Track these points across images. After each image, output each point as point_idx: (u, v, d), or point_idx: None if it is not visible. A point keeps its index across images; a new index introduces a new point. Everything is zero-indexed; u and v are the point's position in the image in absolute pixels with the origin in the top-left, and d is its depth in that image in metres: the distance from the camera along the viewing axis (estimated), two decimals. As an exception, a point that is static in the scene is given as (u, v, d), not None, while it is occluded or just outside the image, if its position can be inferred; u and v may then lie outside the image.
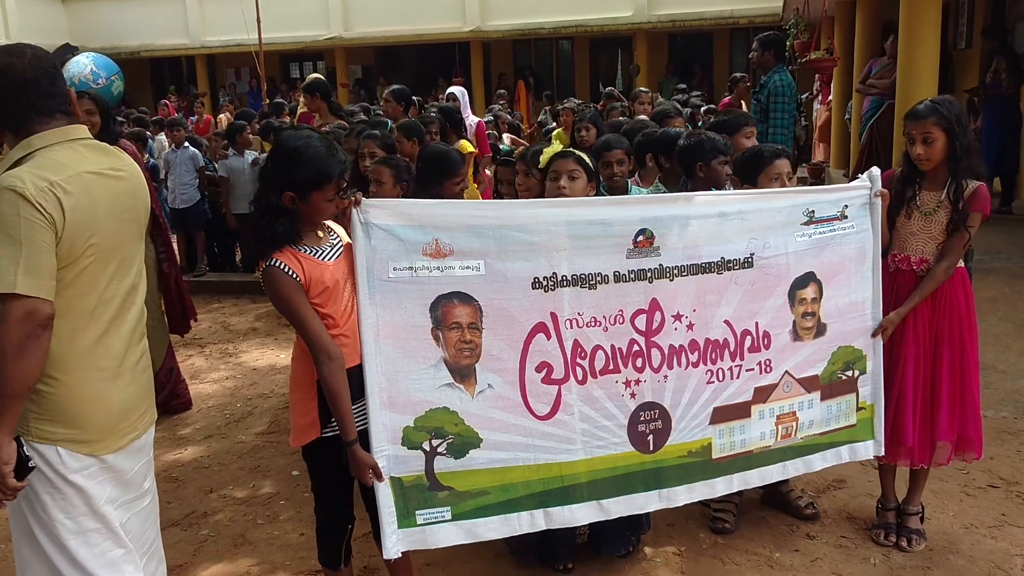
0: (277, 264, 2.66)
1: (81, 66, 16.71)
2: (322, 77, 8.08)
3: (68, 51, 18.77)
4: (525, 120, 17.60)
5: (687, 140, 3.96)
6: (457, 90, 8.76)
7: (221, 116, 15.68)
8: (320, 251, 2.75)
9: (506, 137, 9.45)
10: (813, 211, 3.28)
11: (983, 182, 3.44)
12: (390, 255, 2.80)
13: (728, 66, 19.78)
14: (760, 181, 3.52)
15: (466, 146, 7.12)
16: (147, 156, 9.87)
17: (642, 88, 9.88)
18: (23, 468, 2.28)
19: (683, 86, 13.86)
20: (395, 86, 8.36)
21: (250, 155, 8.80)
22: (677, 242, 3.08)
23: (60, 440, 2.36)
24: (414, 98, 10.16)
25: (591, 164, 3.42)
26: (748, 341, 3.23)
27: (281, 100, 14.87)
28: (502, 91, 15.39)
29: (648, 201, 3.15)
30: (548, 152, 3.44)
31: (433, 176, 3.97)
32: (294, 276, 2.66)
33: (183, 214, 9.18)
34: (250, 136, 9.02)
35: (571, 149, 3.51)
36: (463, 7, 19.24)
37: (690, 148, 3.89)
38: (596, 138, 5.64)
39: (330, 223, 2.89)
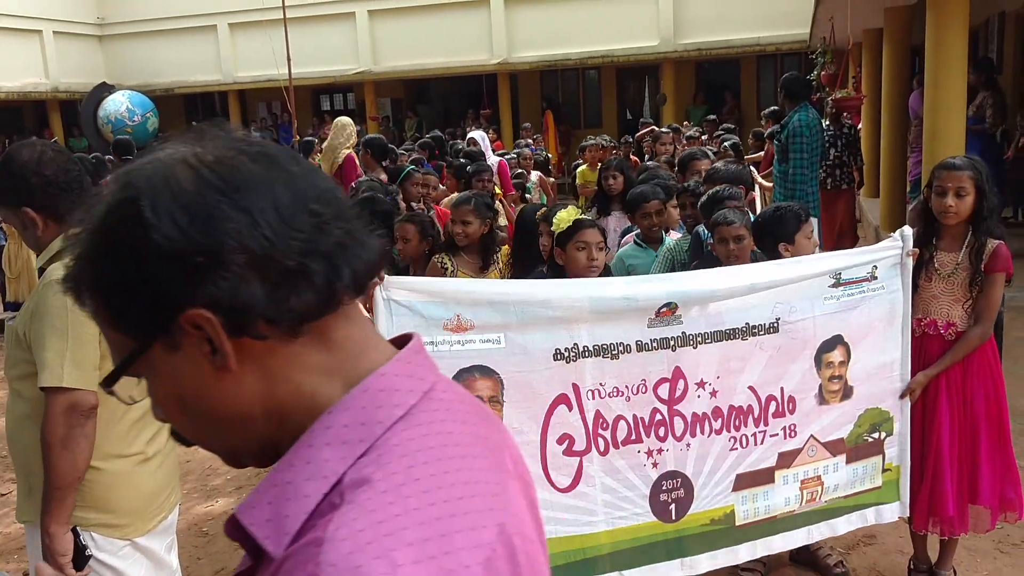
0: None
1: (117, 104, 17.10)
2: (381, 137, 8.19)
3: (105, 89, 19.18)
4: (553, 153, 17.64)
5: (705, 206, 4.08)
6: (477, 135, 8.89)
7: (252, 153, 15.83)
8: None
9: (534, 175, 9.35)
10: (840, 274, 3.23)
11: (1002, 240, 3.40)
12: (411, 331, 2.81)
13: (756, 92, 19.79)
14: (798, 240, 3.51)
15: None
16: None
17: (663, 128, 9.84)
18: (80, 557, 2.30)
19: (712, 117, 13.75)
20: (369, 136, 8.40)
21: None
22: (700, 311, 3.05)
23: (93, 525, 2.39)
24: (441, 136, 10.24)
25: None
26: (772, 406, 3.18)
27: (311, 138, 15.04)
28: (527, 125, 15.40)
29: (677, 279, 3.15)
30: (564, 217, 3.46)
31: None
32: None
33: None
34: None
35: (589, 218, 3.55)
36: (490, 40, 19.40)
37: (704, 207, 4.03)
38: (624, 185, 5.71)
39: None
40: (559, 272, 3.52)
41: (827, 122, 8.97)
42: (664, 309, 2.99)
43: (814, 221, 3.76)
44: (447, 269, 4.19)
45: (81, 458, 2.26)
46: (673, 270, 4.13)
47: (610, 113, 21.19)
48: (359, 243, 0.81)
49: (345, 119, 8.85)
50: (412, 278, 3.13)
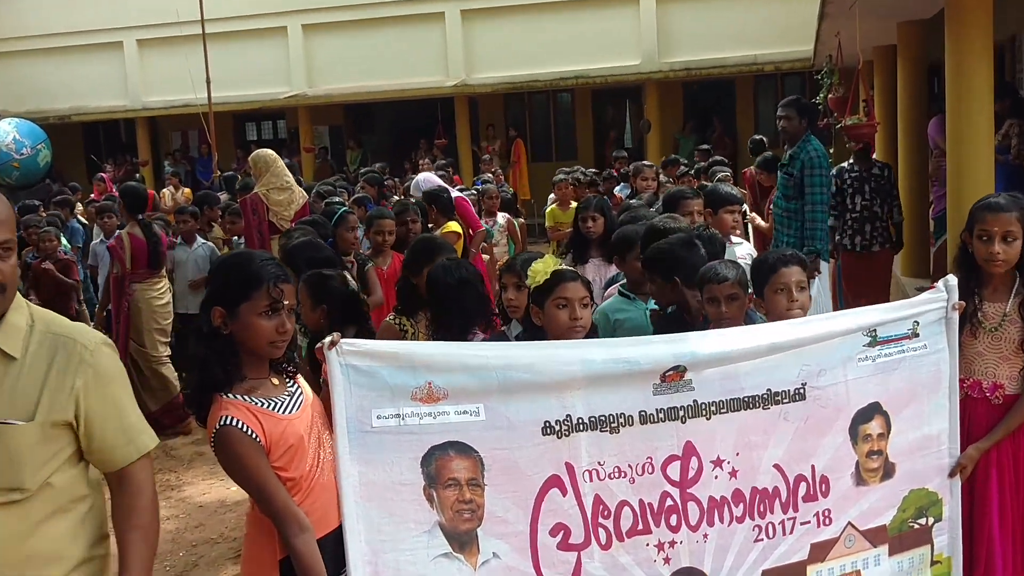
0: (233, 423, 2.63)
1: (3, 134, 17.00)
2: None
3: (-12, 117, 18.99)
4: (523, 190, 17.63)
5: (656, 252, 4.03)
6: (422, 177, 8.84)
7: (165, 191, 15.74)
8: (278, 403, 2.76)
9: (501, 217, 9.36)
10: (876, 331, 3.24)
11: None
12: (373, 401, 2.80)
13: (753, 117, 20.07)
14: (766, 294, 3.51)
15: (452, 227, 7.24)
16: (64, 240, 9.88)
17: (645, 162, 9.83)
18: None
19: (706, 147, 13.86)
20: (126, 183, 8.40)
21: (203, 246, 8.77)
22: (714, 374, 3.05)
23: None
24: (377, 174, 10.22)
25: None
26: (803, 488, 3.16)
27: (233, 172, 14.97)
28: (487, 156, 15.47)
29: (683, 339, 3.12)
30: (540, 267, 3.46)
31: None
32: (253, 436, 2.63)
33: (116, 313, 9.14)
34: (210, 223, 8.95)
35: (571, 269, 3.55)
36: (445, 59, 19.55)
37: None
38: (604, 228, 5.74)
39: (301, 381, 2.91)
40: (538, 334, 3.51)
41: (849, 161, 8.39)
42: (671, 373, 2.99)
43: (825, 267, 3.70)
44: (406, 332, 4.14)
45: None
46: None
47: (586, 142, 21.42)
48: None
49: (265, 151, 8.65)
50: (373, 341, 3.12)
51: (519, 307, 3.87)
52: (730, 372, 3.07)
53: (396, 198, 9.28)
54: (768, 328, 3.27)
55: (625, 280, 4.61)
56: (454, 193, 8.60)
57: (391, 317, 4.36)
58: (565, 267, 3.52)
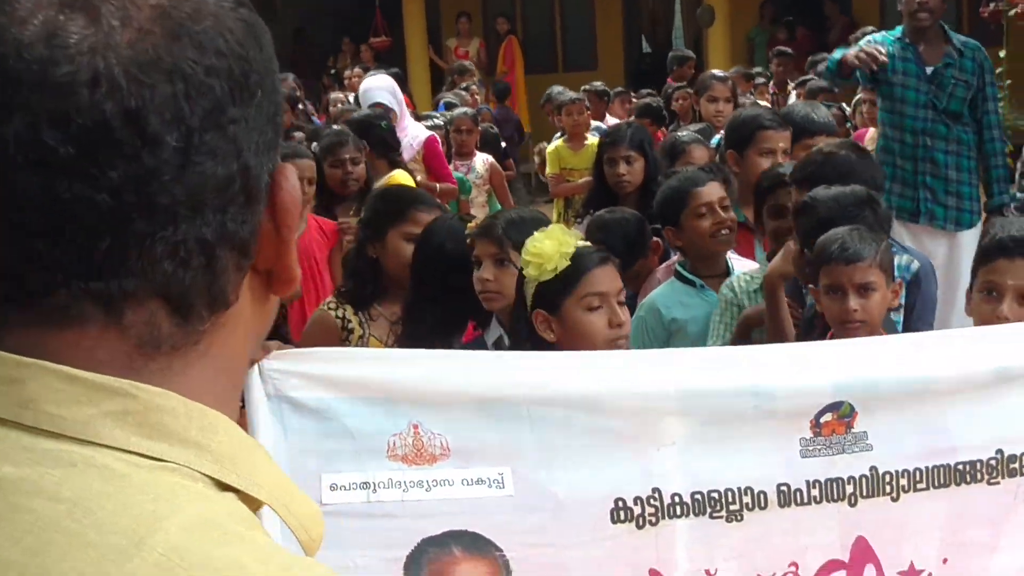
0: None
1: None
2: None
3: None
4: (523, 116, 17.14)
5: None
6: (379, 86, 8.54)
7: None
8: None
9: (479, 160, 9.11)
10: None
11: None
12: (324, 461, 2.59)
13: (878, 3, 18.81)
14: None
15: (399, 179, 6.82)
16: None
17: (715, 72, 9.31)
18: None
19: (784, 50, 13.17)
20: None
21: None
22: (902, 424, 2.82)
23: None
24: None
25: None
26: None
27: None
28: (464, 64, 15.34)
29: (852, 350, 3.01)
30: (548, 248, 3.18)
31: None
32: None
33: None
34: None
35: (597, 248, 3.42)
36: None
37: None
38: (645, 174, 5.68)
39: None
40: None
41: None
42: (828, 417, 2.75)
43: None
44: (351, 331, 4.09)
45: None
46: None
47: (611, 44, 20.86)
48: None
49: None
50: (321, 349, 2.96)
51: (499, 295, 3.64)
52: (931, 423, 2.83)
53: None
54: (992, 334, 3.07)
55: (683, 258, 4.57)
56: (418, 135, 8.35)
57: (328, 304, 4.28)
58: (588, 245, 3.37)
